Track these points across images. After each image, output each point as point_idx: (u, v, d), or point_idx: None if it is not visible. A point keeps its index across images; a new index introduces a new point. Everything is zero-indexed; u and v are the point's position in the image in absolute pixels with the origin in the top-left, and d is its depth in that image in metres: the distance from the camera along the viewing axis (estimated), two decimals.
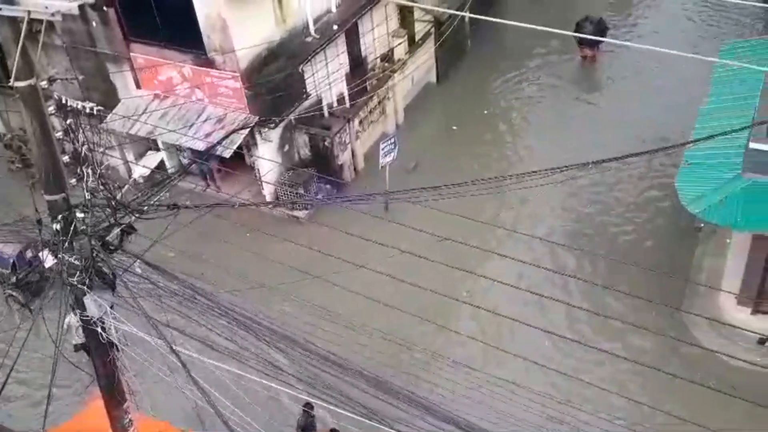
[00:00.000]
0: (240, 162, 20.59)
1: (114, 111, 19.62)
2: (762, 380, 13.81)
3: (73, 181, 7.79)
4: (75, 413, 13.52)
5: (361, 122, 21.37)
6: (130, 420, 9.49)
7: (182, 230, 12.24)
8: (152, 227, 9.00)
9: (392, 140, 19.81)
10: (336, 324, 13.79)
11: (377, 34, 21.94)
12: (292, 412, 14.72)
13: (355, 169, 21.34)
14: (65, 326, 8.63)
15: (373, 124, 22.08)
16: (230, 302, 9.70)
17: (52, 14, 6.61)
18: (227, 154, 18.53)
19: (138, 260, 8.35)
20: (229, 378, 9.59)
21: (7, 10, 6.67)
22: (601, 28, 24.20)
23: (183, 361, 8.11)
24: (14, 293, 17.70)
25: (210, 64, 18.36)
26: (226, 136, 18.42)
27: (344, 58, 20.97)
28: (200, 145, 18.68)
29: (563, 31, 8.69)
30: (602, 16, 24.77)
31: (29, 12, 6.61)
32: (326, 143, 20.07)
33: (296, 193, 19.74)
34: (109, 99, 19.91)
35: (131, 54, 19.29)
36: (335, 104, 20.96)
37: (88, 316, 8.14)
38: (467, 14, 21.90)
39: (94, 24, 19.22)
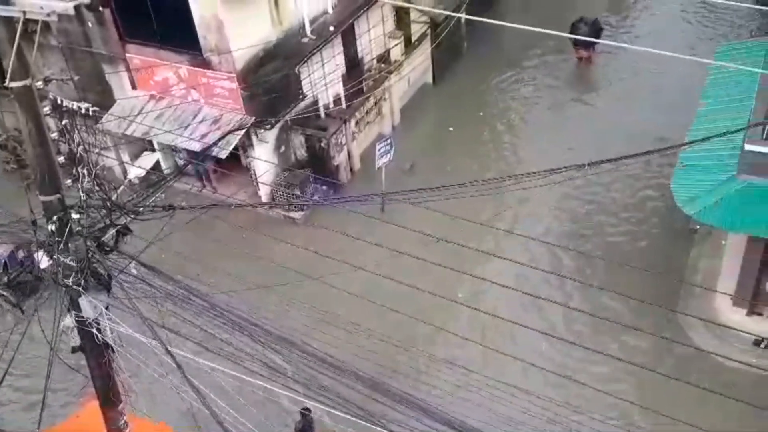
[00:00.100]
0: (236, 163, 20.58)
1: (109, 112, 19.58)
2: (757, 381, 13.86)
3: (69, 181, 7.77)
4: (70, 414, 13.48)
5: (357, 123, 21.37)
6: (126, 421, 9.47)
7: (178, 231, 12.24)
8: (148, 228, 8.99)
9: (388, 141, 19.81)
10: (332, 325, 13.78)
11: (373, 35, 21.94)
12: (288, 412, 14.69)
13: (351, 170, 21.33)
14: (62, 328, 8.60)
15: (370, 125, 22.08)
16: (226, 303, 9.68)
17: (48, 14, 6.59)
18: (223, 155, 18.51)
19: (133, 261, 8.33)
20: (224, 379, 9.58)
21: (3, 11, 6.65)
22: (596, 29, 24.25)
23: (178, 362, 8.08)
24: (5, 293, 17.64)
25: (206, 64, 18.34)
26: (222, 137, 18.39)
27: (340, 59, 20.96)
28: (196, 146, 18.65)
29: (558, 32, 8.70)
30: (597, 17, 24.83)
31: (24, 12, 6.59)
32: (322, 144, 20.06)
33: (292, 194, 19.73)
34: (105, 99, 19.88)
35: (127, 54, 19.26)
36: (331, 105, 20.95)
37: (83, 318, 8.11)
38: (463, 15, 21.92)
39: (89, 24, 19.19)
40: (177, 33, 18.15)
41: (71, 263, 7.79)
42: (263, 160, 19.25)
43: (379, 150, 19.51)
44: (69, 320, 8.29)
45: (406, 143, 21.67)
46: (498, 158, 21.73)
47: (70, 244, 7.74)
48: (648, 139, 20.02)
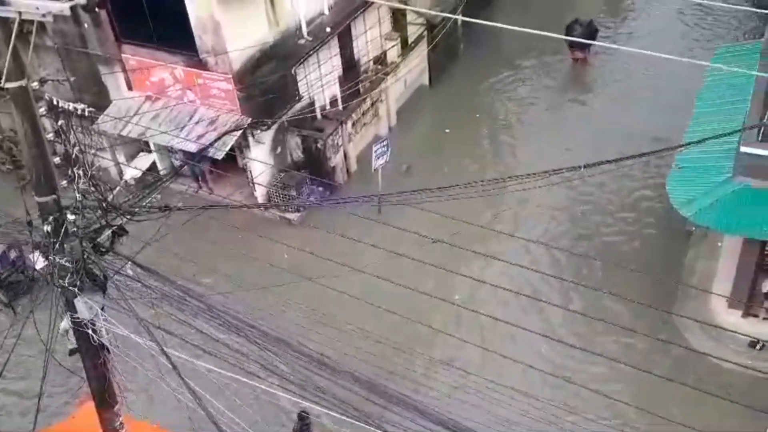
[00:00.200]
0: (232, 164, 20.56)
1: (105, 112, 19.56)
2: (753, 382, 13.89)
3: (64, 182, 7.75)
4: (65, 416, 13.45)
5: (353, 124, 21.36)
6: (122, 422, 9.45)
7: (174, 232, 12.22)
8: (144, 229, 8.97)
9: (385, 143, 19.82)
10: (329, 326, 13.78)
11: (370, 36, 21.95)
12: (284, 413, 14.68)
13: (347, 171, 21.33)
14: (61, 331, 8.59)
15: (366, 127, 22.08)
16: (222, 304, 9.67)
17: (44, 15, 6.57)
18: (219, 155, 18.49)
19: (129, 262, 8.31)
20: (220, 380, 9.56)
21: None
22: (591, 31, 24.31)
23: (174, 362, 8.07)
24: None
25: (202, 65, 18.32)
26: (218, 138, 18.38)
27: (337, 61, 20.97)
28: (192, 147, 18.63)
29: (554, 34, 8.71)
30: (592, 19, 24.89)
31: (20, 13, 6.57)
32: (319, 145, 20.05)
33: (288, 196, 19.72)
34: (101, 100, 19.85)
35: (123, 55, 19.23)
36: (328, 106, 20.95)
37: (78, 318, 8.09)
38: (460, 17, 21.94)
39: (85, 25, 19.16)
40: (173, 34, 18.13)
41: (67, 264, 7.77)
42: (259, 161, 19.24)
43: (375, 151, 19.52)
44: (66, 323, 8.27)
45: (403, 145, 21.68)
46: (495, 159, 21.76)
47: (65, 245, 7.72)
48: (645, 140, 20.07)
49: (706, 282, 16.80)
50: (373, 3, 20.94)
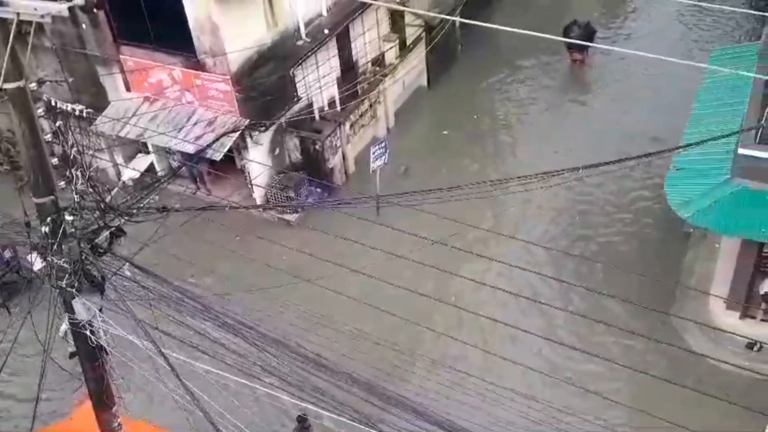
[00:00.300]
0: (230, 165, 20.55)
1: (103, 113, 19.53)
2: (750, 384, 13.91)
3: (62, 183, 7.74)
4: (63, 417, 13.42)
5: (352, 126, 21.37)
6: (119, 423, 9.44)
7: (172, 233, 12.21)
8: (142, 230, 8.97)
9: (383, 144, 19.82)
10: (327, 327, 13.77)
11: (368, 38, 21.95)
12: (282, 414, 14.66)
13: (345, 172, 21.33)
14: (60, 333, 8.59)
15: (364, 128, 22.08)
16: (220, 305, 9.67)
17: (42, 16, 6.56)
18: (217, 157, 18.48)
19: (127, 263, 8.30)
20: (218, 381, 9.55)
21: None
22: (589, 32, 24.34)
23: (172, 363, 8.06)
24: None
25: (200, 66, 18.32)
26: (217, 139, 18.37)
27: (335, 62, 20.97)
28: (190, 148, 18.62)
29: (552, 36, 8.74)
30: (590, 20, 24.92)
31: (18, 13, 6.57)
32: (317, 147, 20.05)
33: (287, 197, 19.71)
34: (99, 101, 19.83)
35: (121, 56, 19.22)
36: (326, 108, 20.95)
37: (76, 320, 8.08)
38: (458, 18, 21.96)
39: (83, 26, 19.15)
40: (171, 35, 18.12)
41: (65, 265, 7.76)
42: (258, 162, 19.23)
43: (373, 153, 19.52)
44: (66, 325, 8.27)
45: (401, 146, 21.69)
46: (493, 160, 21.77)
47: (63, 246, 7.71)
48: (644, 140, 20.12)
49: (704, 283, 16.81)
50: (371, 4, 20.95)
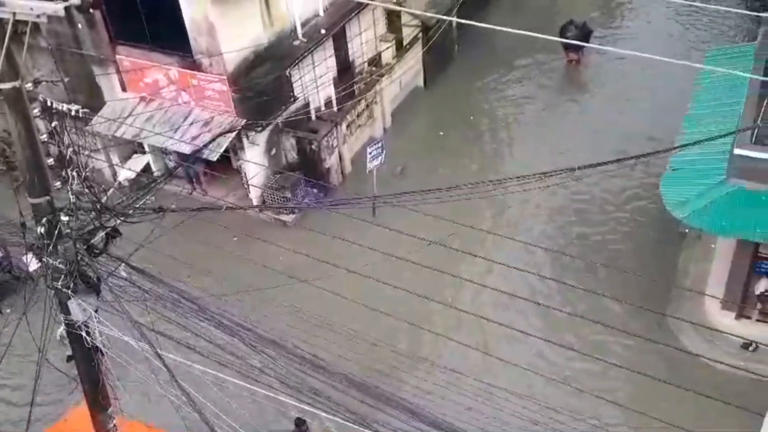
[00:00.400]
0: (227, 165, 20.53)
1: (99, 113, 19.50)
2: (746, 383, 13.93)
3: (58, 184, 7.72)
4: (58, 415, 13.39)
5: (348, 126, 21.36)
6: (115, 425, 9.42)
7: (168, 234, 12.18)
8: (138, 231, 8.95)
9: (379, 144, 19.82)
10: (324, 328, 13.76)
11: (365, 38, 21.95)
12: (279, 413, 14.64)
13: (342, 172, 21.32)
14: (57, 337, 8.56)
15: (361, 128, 22.08)
16: (216, 306, 9.65)
17: (38, 16, 6.55)
18: (213, 157, 18.46)
19: (123, 264, 8.28)
20: (214, 382, 9.54)
21: None
22: (585, 33, 24.37)
23: (168, 364, 8.05)
24: None
25: (196, 66, 18.29)
26: (213, 140, 18.34)
27: (332, 62, 20.96)
28: (186, 149, 18.59)
29: (550, 35, 8.75)
30: (586, 21, 24.96)
31: (14, 13, 6.55)
32: (313, 147, 20.04)
33: (283, 197, 19.70)
34: (95, 101, 19.79)
35: (117, 56, 19.19)
36: (323, 108, 20.93)
37: (72, 321, 8.06)
38: (454, 19, 21.97)
39: (79, 26, 19.11)
40: (167, 35, 18.10)
41: (60, 266, 7.74)
42: (254, 162, 19.22)
43: (370, 153, 19.51)
44: (64, 329, 8.25)
45: (397, 146, 21.68)
46: (490, 160, 21.78)
47: (59, 247, 7.69)
48: (641, 140, 20.14)
49: (699, 284, 16.84)
50: (368, 5, 20.95)
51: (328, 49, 20.66)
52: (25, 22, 6.68)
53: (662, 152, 15.18)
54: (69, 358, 8.68)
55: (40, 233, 7.64)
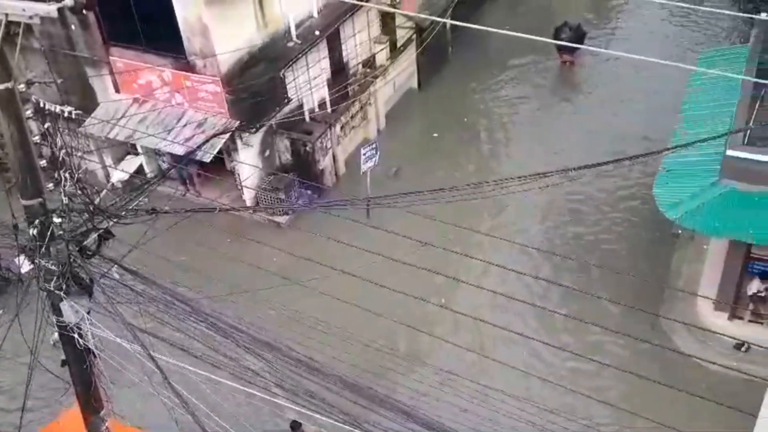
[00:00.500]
0: (220, 167, 20.50)
1: (92, 115, 19.44)
2: (737, 384, 13.97)
3: (51, 185, 7.69)
4: (50, 421, 13.34)
5: (342, 127, 21.36)
6: (108, 427, 9.39)
7: (161, 236, 12.15)
8: (131, 232, 8.92)
9: (373, 146, 19.82)
10: (317, 329, 13.74)
11: (359, 39, 21.95)
12: (277, 415, 14.61)
13: (336, 174, 21.31)
14: (52, 342, 8.53)
15: (355, 130, 22.08)
16: (209, 307, 9.63)
17: (30, 17, 6.54)
18: (207, 158, 18.43)
19: (115, 266, 8.26)
20: (207, 384, 9.51)
21: None
22: (579, 35, 24.45)
23: (161, 366, 8.02)
24: None
25: (190, 68, 18.26)
26: (206, 141, 18.31)
27: (326, 64, 20.96)
28: (180, 150, 18.56)
29: (544, 37, 8.77)
30: (580, 23, 25.03)
31: (7, 14, 6.54)
32: (307, 148, 20.03)
33: (277, 199, 19.68)
34: (88, 103, 19.74)
35: (110, 57, 19.14)
36: (317, 109, 20.93)
37: (64, 322, 8.03)
38: (448, 21, 22.00)
39: (73, 27, 19.06)
40: (161, 36, 18.07)
41: (53, 267, 7.71)
42: (248, 164, 19.20)
43: (364, 154, 19.51)
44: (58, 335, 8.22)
45: (392, 148, 21.69)
46: (484, 161, 21.80)
47: (51, 249, 7.67)
48: (634, 141, 20.20)
49: (692, 284, 16.89)
50: (362, 6, 20.95)
51: (322, 51, 20.66)
52: (18, 23, 6.66)
53: (655, 153, 15.24)
54: (64, 363, 8.64)
55: (33, 235, 7.62)
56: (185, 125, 18.83)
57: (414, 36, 23.59)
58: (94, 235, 7.90)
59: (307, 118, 20.58)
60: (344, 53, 21.77)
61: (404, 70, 23.74)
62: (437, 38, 24.09)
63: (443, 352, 15.46)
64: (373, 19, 22.42)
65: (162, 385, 7.94)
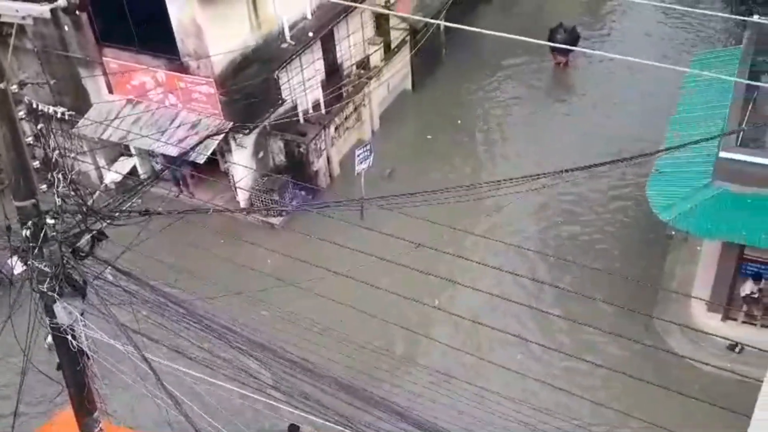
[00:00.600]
0: (214, 168, 20.46)
1: (86, 116, 19.40)
2: (730, 385, 14.00)
3: (44, 186, 7.66)
4: (44, 422, 13.28)
5: (336, 129, 21.35)
6: (101, 429, 9.36)
7: (154, 237, 12.12)
8: (124, 234, 8.90)
9: (368, 147, 19.82)
10: (312, 330, 13.73)
11: (353, 41, 21.96)
12: (275, 417, 14.57)
13: (330, 175, 21.30)
14: (46, 345, 8.50)
15: (349, 131, 22.08)
16: (203, 309, 9.61)
17: (23, 18, 6.51)
18: (201, 159, 18.40)
19: (109, 267, 8.23)
20: (200, 386, 9.49)
21: None
22: (574, 37, 24.52)
23: (154, 368, 8.00)
24: None
25: (184, 69, 18.23)
26: (200, 142, 18.28)
27: (320, 65, 20.95)
28: (173, 151, 18.52)
29: (538, 39, 8.79)
30: (575, 25, 25.08)
31: None
32: (301, 149, 20.02)
33: (271, 200, 19.66)
34: (81, 104, 19.69)
35: (104, 58, 19.10)
36: (311, 110, 20.90)
37: (57, 324, 8.00)
38: (442, 22, 22.01)
39: (66, 28, 19.01)
40: (154, 37, 18.04)
41: (46, 269, 7.68)
42: (241, 165, 19.17)
43: (358, 156, 19.51)
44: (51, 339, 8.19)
45: (386, 149, 21.69)
46: (476, 165, 21.83)
47: (44, 250, 7.64)
48: (626, 142, 20.24)
49: (685, 286, 16.94)
50: (356, 8, 20.96)
51: (316, 52, 20.66)
52: (11, 24, 6.64)
53: (649, 155, 15.27)
54: (59, 366, 8.61)
55: (26, 236, 7.58)
56: (179, 126, 18.80)
57: (408, 37, 23.60)
58: (87, 237, 7.88)
59: (301, 120, 20.57)
60: (338, 54, 21.77)
61: (398, 72, 23.75)
62: (431, 40, 24.11)
63: (439, 353, 15.46)
64: (367, 21, 22.43)
65: (155, 386, 7.92)
